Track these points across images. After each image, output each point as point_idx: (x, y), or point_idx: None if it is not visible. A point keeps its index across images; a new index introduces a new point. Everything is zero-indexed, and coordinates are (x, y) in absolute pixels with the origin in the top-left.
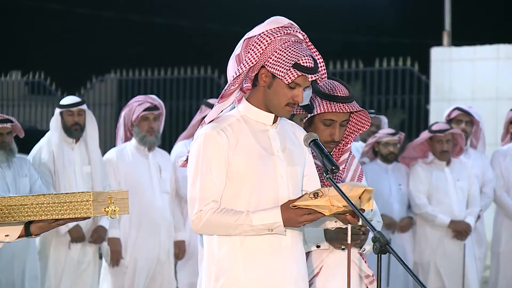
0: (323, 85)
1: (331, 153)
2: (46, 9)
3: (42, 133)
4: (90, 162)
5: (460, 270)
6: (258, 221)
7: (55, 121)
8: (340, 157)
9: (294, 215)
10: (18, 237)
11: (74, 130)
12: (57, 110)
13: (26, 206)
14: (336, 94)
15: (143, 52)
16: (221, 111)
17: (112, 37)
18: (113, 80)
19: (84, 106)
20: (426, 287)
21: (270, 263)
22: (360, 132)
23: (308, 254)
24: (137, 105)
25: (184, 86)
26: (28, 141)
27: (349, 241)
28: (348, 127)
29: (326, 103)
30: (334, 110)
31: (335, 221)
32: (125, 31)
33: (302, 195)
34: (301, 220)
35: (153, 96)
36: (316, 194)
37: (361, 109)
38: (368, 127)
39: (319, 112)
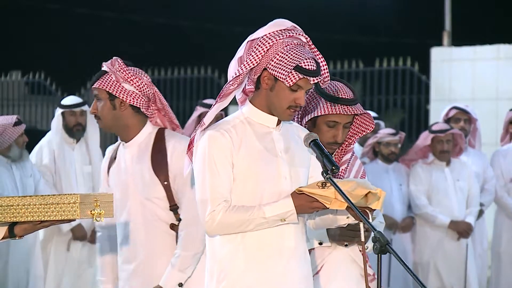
0: (328, 86)
1: (334, 154)
2: (46, 9)
3: (42, 133)
4: (91, 162)
5: (459, 270)
6: (271, 212)
7: (56, 121)
8: (342, 157)
9: (305, 201)
10: (2, 239)
11: (76, 131)
12: (59, 110)
13: (12, 207)
14: (340, 96)
15: (143, 52)
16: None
17: (112, 37)
18: None
19: (86, 107)
20: (426, 287)
21: (273, 263)
22: (364, 134)
23: (310, 251)
24: None
25: (184, 86)
26: (28, 141)
27: (362, 239)
28: (352, 129)
29: (330, 105)
30: (338, 112)
31: (347, 217)
32: (125, 31)
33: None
34: (313, 206)
35: None
36: (324, 184)
37: (365, 111)
38: (371, 130)
39: (322, 113)
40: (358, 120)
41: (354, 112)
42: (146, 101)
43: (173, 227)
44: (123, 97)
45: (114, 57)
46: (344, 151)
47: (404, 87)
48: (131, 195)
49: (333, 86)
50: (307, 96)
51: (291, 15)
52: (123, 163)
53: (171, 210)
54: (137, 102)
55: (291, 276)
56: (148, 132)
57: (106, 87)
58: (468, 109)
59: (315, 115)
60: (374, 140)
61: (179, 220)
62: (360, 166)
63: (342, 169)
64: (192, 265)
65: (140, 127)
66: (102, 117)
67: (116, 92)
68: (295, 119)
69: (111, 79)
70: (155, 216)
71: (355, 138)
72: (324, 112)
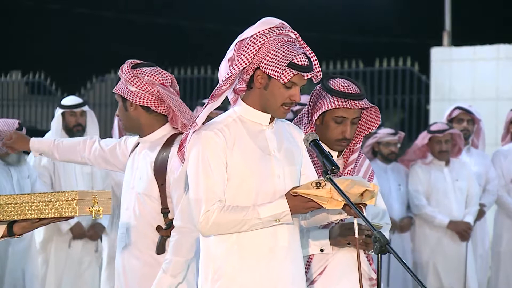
0: (334, 83)
1: (343, 152)
2: (46, 9)
3: (42, 133)
4: None
5: (459, 270)
6: (266, 213)
7: (56, 122)
8: (350, 156)
9: (300, 201)
10: (1, 237)
11: (76, 131)
12: (59, 111)
13: (11, 205)
14: (347, 91)
15: (143, 52)
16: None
17: (112, 37)
18: (113, 80)
19: (86, 107)
20: (426, 287)
21: (267, 263)
22: (370, 130)
23: (312, 256)
24: None
25: (184, 86)
26: None
27: (356, 235)
28: (359, 125)
29: (337, 99)
30: (345, 106)
31: (339, 213)
32: (125, 31)
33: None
34: (307, 206)
35: None
36: (318, 184)
37: (372, 105)
38: (377, 126)
39: (330, 107)
40: (365, 115)
41: (361, 106)
42: (155, 100)
43: (159, 229)
44: (129, 98)
45: (128, 60)
46: (351, 151)
47: (404, 87)
48: (132, 187)
49: (339, 82)
50: (314, 94)
51: (290, 15)
52: (136, 155)
53: (162, 212)
54: (144, 102)
55: (285, 275)
56: (163, 134)
57: (118, 90)
58: (471, 109)
59: (323, 110)
60: (373, 140)
61: (166, 224)
62: (369, 167)
63: (349, 169)
64: (184, 271)
65: (155, 126)
66: (120, 118)
67: (124, 94)
68: (305, 118)
69: (121, 83)
70: (145, 212)
71: (361, 135)
72: (332, 106)
